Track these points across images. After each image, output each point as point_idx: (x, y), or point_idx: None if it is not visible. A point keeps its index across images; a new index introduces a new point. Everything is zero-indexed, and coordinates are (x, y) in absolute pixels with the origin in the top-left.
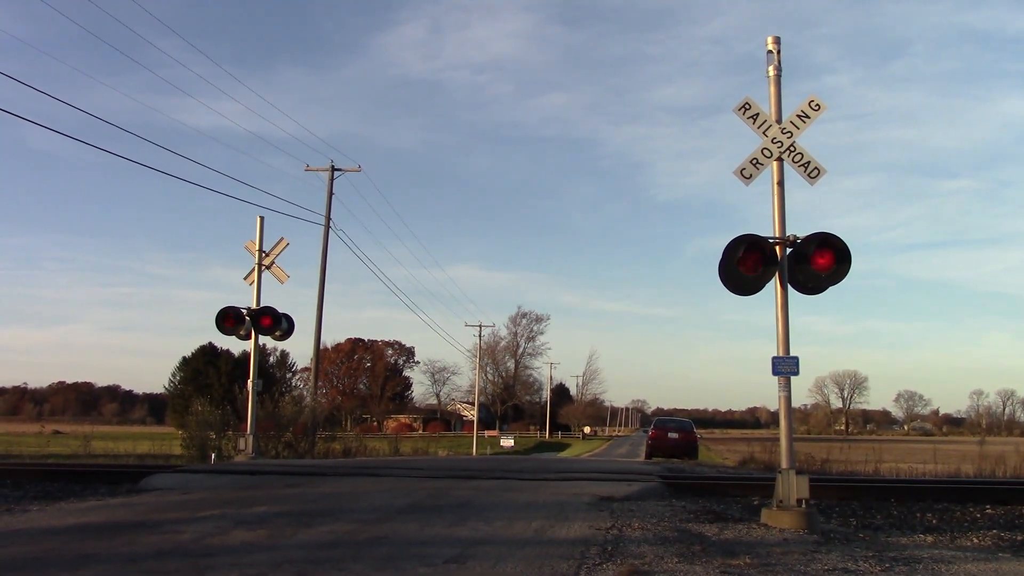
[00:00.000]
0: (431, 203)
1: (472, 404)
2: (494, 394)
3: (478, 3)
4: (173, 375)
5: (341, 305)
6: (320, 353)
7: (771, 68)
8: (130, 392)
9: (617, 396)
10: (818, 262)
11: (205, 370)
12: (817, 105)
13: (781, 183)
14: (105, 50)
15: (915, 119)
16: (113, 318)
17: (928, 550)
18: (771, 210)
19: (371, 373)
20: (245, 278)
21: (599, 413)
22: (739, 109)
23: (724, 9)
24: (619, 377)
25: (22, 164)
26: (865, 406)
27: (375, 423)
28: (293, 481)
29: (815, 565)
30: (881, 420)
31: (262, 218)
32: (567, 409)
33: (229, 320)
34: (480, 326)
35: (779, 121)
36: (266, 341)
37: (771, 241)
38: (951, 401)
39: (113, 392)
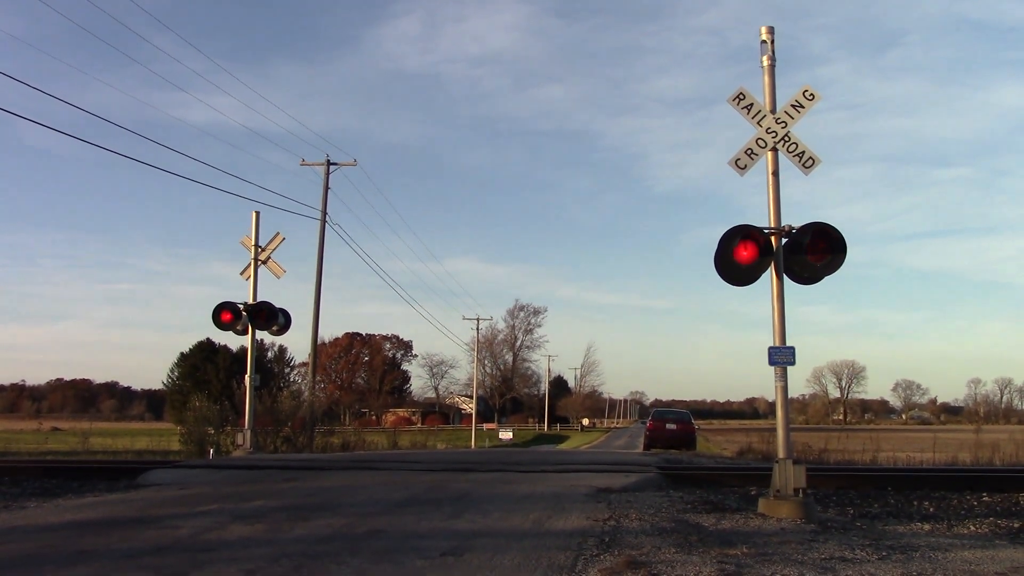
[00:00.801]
0: (428, 197)
1: (471, 397)
2: (492, 387)
3: None
4: (171, 371)
5: (338, 300)
6: (318, 348)
7: (765, 58)
8: (128, 388)
9: (615, 388)
10: (813, 252)
11: (203, 366)
12: (811, 95)
13: (776, 173)
14: (100, 47)
15: (911, 109)
16: (111, 314)
17: (925, 538)
18: (766, 200)
19: (369, 367)
20: (241, 273)
21: (598, 405)
22: (733, 99)
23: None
24: (617, 369)
25: (19, 162)
26: (863, 396)
27: (374, 417)
28: (291, 475)
29: (812, 554)
30: (879, 409)
31: (258, 213)
32: (565, 401)
33: (226, 315)
34: (478, 319)
35: (773, 111)
36: (263, 336)
37: (766, 231)
38: (949, 390)
39: (111, 389)
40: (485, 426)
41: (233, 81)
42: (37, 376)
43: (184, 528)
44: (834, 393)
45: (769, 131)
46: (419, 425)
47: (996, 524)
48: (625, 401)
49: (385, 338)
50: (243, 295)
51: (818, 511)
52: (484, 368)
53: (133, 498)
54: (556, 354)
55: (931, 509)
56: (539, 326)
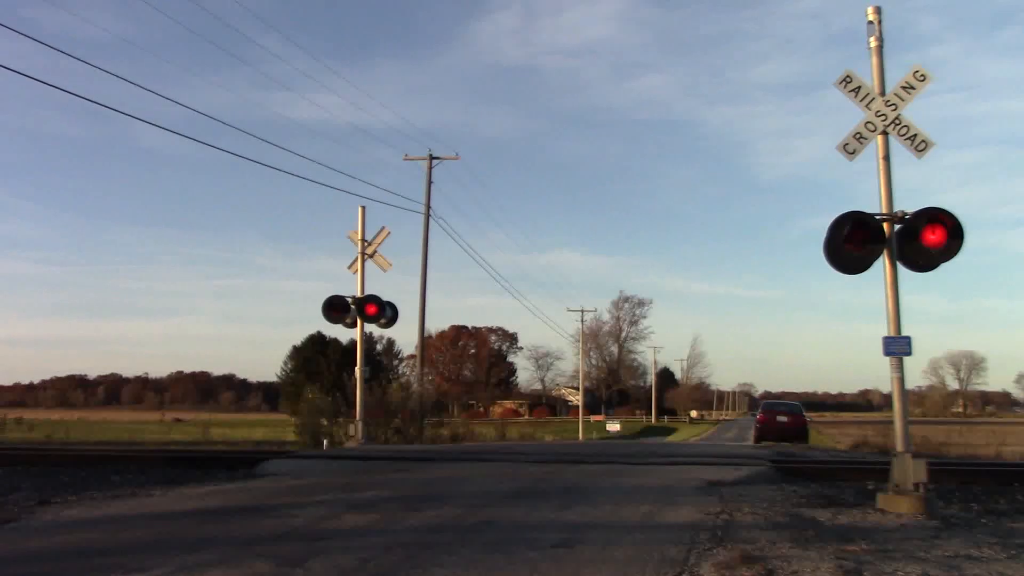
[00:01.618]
0: (529, 189)
1: (577, 389)
2: (598, 379)
3: None
4: (285, 364)
5: (444, 292)
6: (425, 340)
7: (872, 39)
8: (245, 381)
9: (723, 380)
10: (929, 238)
11: (315, 358)
12: (923, 76)
13: (887, 158)
14: (208, 48)
15: None
16: (226, 309)
17: None
18: (877, 186)
19: (475, 359)
20: (349, 267)
21: (705, 397)
22: (840, 83)
23: None
24: (725, 360)
25: (135, 163)
26: (983, 387)
27: (481, 409)
28: (402, 466)
29: (936, 551)
30: (1001, 402)
31: (364, 208)
32: (672, 393)
33: (335, 309)
34: (582, 311)
35: (882, 94)
36: (372, 329)
37: (878, 218)
38: None
39: (229, 381)
40: (592, 418)
41: (337, 79)
42: (159, 369)
43: (300, 517)
44: (952, 385)
45: (879, 114)
46: (526, 417)
47: None
48: (734, 393)
49: (491, 330)
50: (351, 289)
51: (940, 507)
52: (590, 360)
53: (251, 487)
54: (662, 346)
55: None
56: (644, 317)
